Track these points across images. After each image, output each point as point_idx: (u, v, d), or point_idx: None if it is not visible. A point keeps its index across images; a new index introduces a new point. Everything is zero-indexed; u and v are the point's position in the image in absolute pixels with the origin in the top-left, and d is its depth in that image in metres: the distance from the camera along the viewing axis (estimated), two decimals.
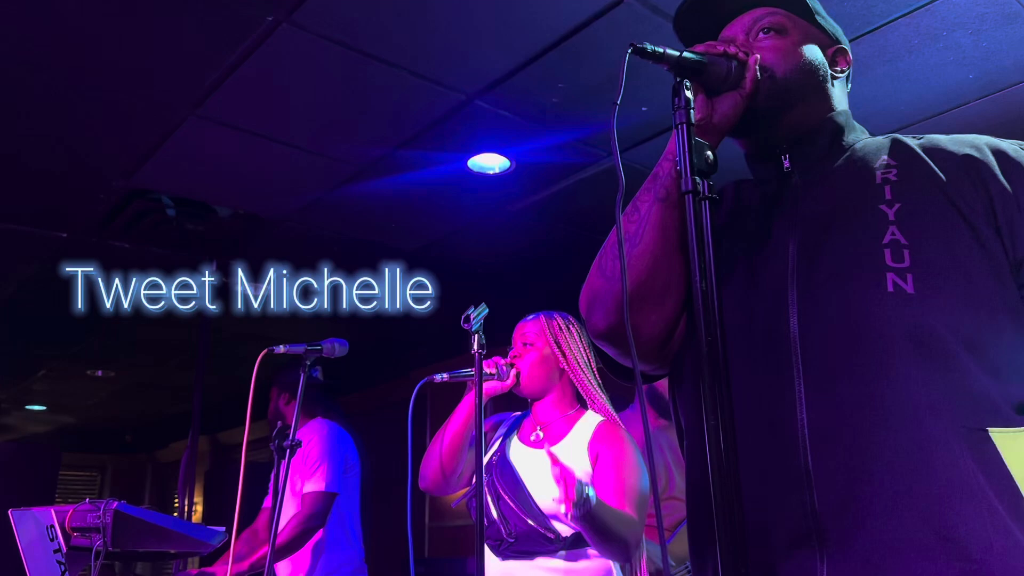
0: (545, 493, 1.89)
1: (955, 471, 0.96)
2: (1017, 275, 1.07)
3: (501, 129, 2.84)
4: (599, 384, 2.09)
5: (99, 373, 6.20)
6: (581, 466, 1.95)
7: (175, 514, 4.08)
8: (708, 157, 1.11)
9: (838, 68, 1.30)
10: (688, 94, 1.13)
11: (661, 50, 1.13)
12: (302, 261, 4.08)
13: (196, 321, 4.23)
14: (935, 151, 1.15)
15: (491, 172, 3.16)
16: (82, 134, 2.83)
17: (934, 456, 0.97)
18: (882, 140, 1.23)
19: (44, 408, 7.41)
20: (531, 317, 2.15)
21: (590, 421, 2.06)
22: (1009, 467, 0.98)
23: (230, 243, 3.80)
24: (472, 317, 1.76)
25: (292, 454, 2.35)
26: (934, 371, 1.00)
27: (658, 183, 1.18)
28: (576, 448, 1.99)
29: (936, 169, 1.12)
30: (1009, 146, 1.17)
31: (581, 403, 2.11)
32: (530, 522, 1.87)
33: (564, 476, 1.57)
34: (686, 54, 1.14)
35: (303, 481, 3.24)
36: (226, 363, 5.60)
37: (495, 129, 2.84)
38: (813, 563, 1.00)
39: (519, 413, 2.23)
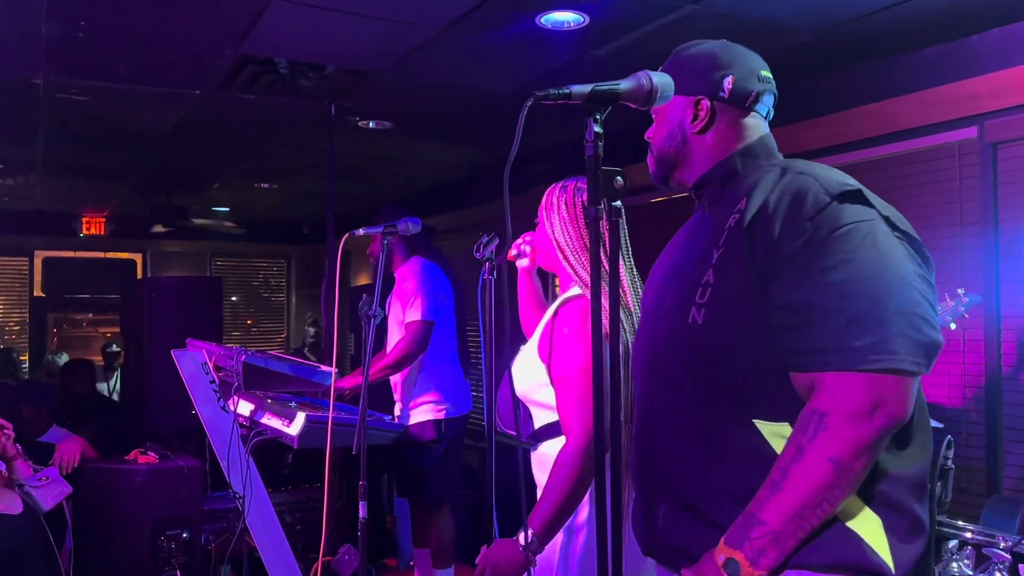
0: (521, 381, 1.93)
1: (705, 452, 1.35)
2: (773, 316, 1.29)
3: None
4: (582, 263, 1.88)
5: (264, 186, 6.90)
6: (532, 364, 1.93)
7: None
8: (617, 182, 1.25)
9: (698, 121, 1.48)
10: (597, 128, 1.25)
11: (568, 90, 1.25)
12: (410, 109, 4.29)
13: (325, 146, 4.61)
14: (763, 205, 1.33)
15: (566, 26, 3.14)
16: (191, 13, 3.06)
17: (696, 438, 1.37)
18: (761, 176, 1.39)
19: (228, 209, 8.38)
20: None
21: (562, 299, 1.92)
22: (772, 446, 1.29)
23: (343, 92, 4.05)
24: (483, 247, 1.94)
25: (377, 322, 2.74)
26: (711, 379, 1.34)
27: None
28: (537, 336, 1.95)
29: (753, 221, 1.32)
30: (812, 197, 1.29)
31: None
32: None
33: None
34: (599, 87, 1.27)
35: (404, 311, 3.72)
36: (362, 176, 6.30)
37: None
38: (634, 497, 1.52)
39: None
